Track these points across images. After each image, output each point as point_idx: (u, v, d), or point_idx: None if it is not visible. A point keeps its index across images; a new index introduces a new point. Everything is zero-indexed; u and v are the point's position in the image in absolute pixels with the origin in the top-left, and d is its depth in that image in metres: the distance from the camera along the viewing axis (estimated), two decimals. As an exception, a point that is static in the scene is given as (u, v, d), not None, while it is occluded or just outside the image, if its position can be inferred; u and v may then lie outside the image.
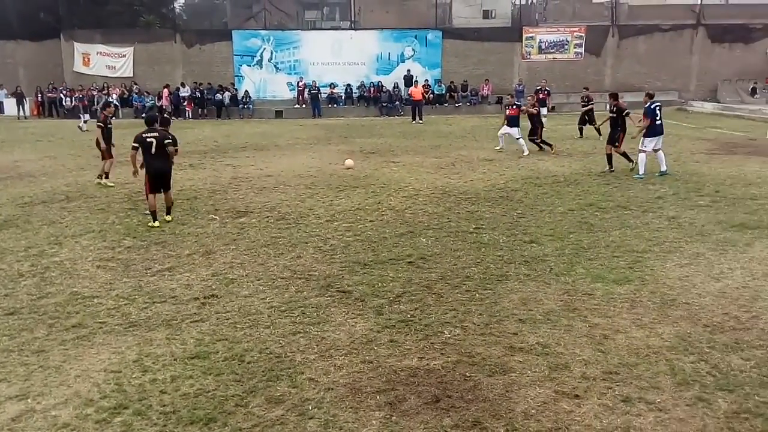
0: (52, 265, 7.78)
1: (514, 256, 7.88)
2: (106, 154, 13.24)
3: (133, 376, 4.97)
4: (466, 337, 5.61)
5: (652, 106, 12.85)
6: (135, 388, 4.78)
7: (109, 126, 13.42)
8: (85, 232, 9.30)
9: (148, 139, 9.47)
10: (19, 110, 31.51)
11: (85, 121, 25.16)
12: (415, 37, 33.38)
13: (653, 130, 12.81)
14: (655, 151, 12.94)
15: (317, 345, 5.51)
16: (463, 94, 32.97)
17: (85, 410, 4.48)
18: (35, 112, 32.15)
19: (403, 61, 33.30)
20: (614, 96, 14.07)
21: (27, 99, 31.91)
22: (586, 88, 21.30)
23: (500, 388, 4.72)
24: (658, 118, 12.84)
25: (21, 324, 6.00)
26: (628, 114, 13.52)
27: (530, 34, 33.76)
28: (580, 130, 20.39)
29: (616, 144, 13.56)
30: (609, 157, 13.77)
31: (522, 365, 5.08)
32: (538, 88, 24.40)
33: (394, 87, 32.33)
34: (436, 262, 7.76)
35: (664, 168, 13.07)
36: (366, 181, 13.24)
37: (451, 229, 9.27)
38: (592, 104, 20.24)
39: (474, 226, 9.36)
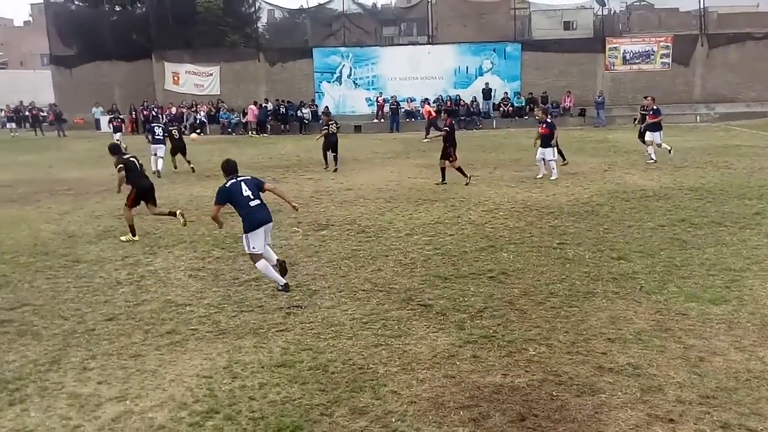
0: (147, 273, 8.18)
1: (601, 273, 7.65)
2: None
3: (224, 381, 5.14)
4: (552, 355, 5.47)
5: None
6: (225, 394, 4.94)
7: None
8: (177, 243, 9.73)
9: (131, 159, 10.26)
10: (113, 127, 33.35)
11: (13, 129, 24.15)
12: (494, 50, 33.16)
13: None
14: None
15: (399, 358, 5.53)
16: (544, 106, 32.36)
17: (180, 413, 4.67)
18: (129, 129, 33.98)
19: (482, 75, 33.12)
20: None
21: (122, 116, 33.78)
22: (647, 98, 19.53)
23: (589, 409, 4.57)
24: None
25: (119, 329, 6.33)
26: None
27: (614, 45, 32.86)
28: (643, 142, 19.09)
29: None
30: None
31: (612, 386, 4.90)
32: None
33: (472, 101, 32.19)
34: (519, 277, 7.63)
35: None
36: (445, 194, 13.21)
37: (534, 243, 9.10)
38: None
39: (558, 242, 9.15)
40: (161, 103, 34.08)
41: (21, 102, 38.80)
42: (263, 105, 32.55)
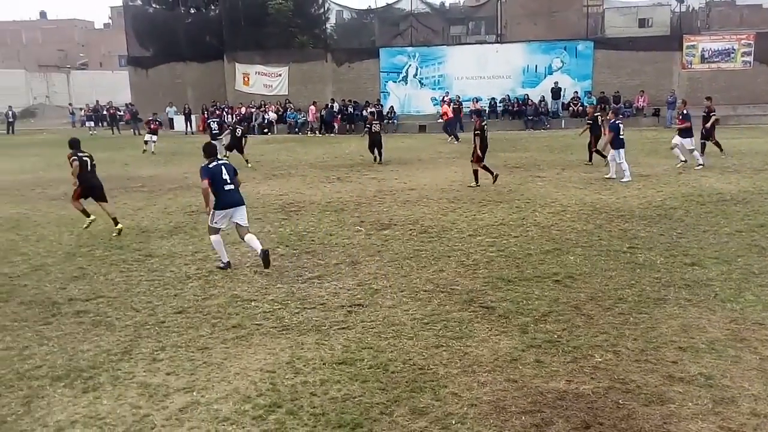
0: (215, 269, 8.40)
1: (673, 279, 7.35)
2: None
3: (286, 377, 5.22)
4: (619, 363, 5.30)
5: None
6: (288, 389, 5.01)
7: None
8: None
9: (84, 158, 10.68)
10: (186, 126, 34.63)
11: (146, 142, 24.41)
12: (564, 49, 32.45)
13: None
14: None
15: (460, 360, 5.47)
16: (616, 106, 31.43)
17: (244, 406, 4.77)
18: (201, 128, 35.09)
19: (551, 74, 32.47)
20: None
21: (194, 116, 34.99)
22: (709, 98, 18.42)
23: (657, 419, 4.40)
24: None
25: (188, 322, 6.53)
26: None
27: (691, 43, 31.58)
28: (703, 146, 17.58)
29: None
30: None
31: (682, 396, 4.70)
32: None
33: (540, 100, 31.61)
34: (586, 281, 7.43)
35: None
36: (510, 196, 13.01)
37: (602, 247, 8.84)
38: (714, 116, 17.83)
39: (627, 246, 8.86)
40: (231, 103, 35.03)
41: (98, 102, 40.68)
42: (329, 105, 32.95)
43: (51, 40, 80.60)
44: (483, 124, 14.70)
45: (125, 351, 5.82)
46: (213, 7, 40.27)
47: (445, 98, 32.34)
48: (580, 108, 31.13)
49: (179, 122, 35.87)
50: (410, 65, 33.61)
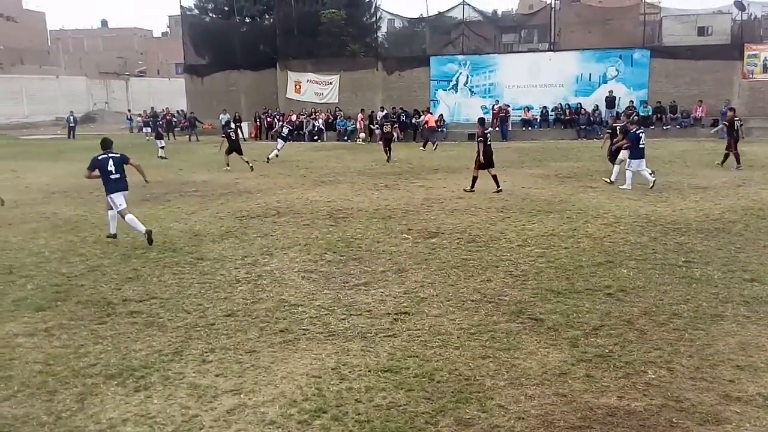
0: (264, 273, 8.51)
1: (731, 295, 7.08)
2: None
3: (332, 382, 5.24)
4: (673, 380, 5.12)
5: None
6: (333, 394, 5.03)
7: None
8: (292, 245, 10.07)
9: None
10: (238, 133, 35.26)
11: (149, 133, 27.55)
12: (620, 57, 31.77)
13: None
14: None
15: (507, 371, 5.39)
16: (673, 116, 30.67)
17: (290, 410, 4.81)
18: (253, 135, 35.74)
19: (605, 82, 31.84)
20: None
21: (246, 123, 35.65)
22: (732, 109, 18.14)
23: (714, 441, 4.24)
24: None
25: (236, 325, 6.63)
26: None
27: (754, 52, 30.50)
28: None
29: None
30: None
31: (739, 417, 4.52)
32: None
33: (594, 109, 31.03)
34: (639, 295, 7.23)
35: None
36: (561, 206, 12.79)
37: (657, 261, 8.59)
38: (738, 123, 17.70)
39: (683, 259, 8.58)
40: (282, 110, 35.55)
41: (153, 108, 41.90)
42: (378, 113, 33.10)
43: (111, 48, 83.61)
44: (486, 132, 15.03)
45: (176, 352, 5.94)
46: (267, 17, 41.02)
47: (495, 106, 32.15)
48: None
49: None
50: (461, 73, 33.48)
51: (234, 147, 20.53)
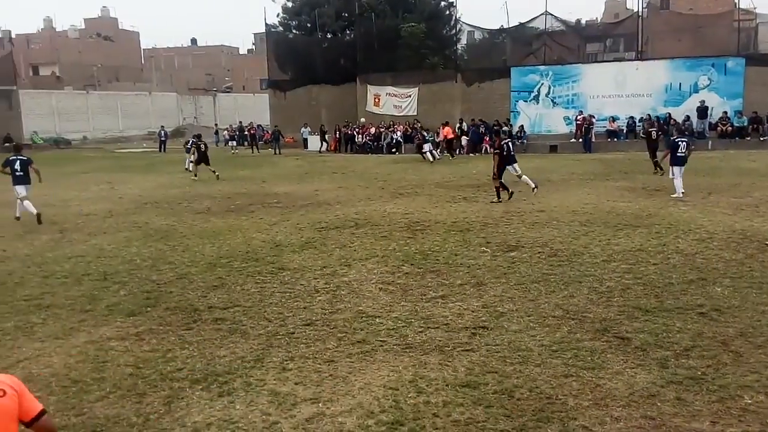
0: (342, 284, 8.60)
1: (839, 318, 6.56)
2: None
3: (409, 395, 5.20)
4: (773, 407, 4.78)
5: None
6: (410, 407, 4.99)
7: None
8: (370, 257, 10.12)
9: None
10: (321, 145, 36.10)
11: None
12: (712, 65, 30.34)
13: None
14: None
15: (591, 391, 5.18)
16: (681, 124, 28.85)
17: (367, 421, 4.80)
18: (333, 147, 36.38)
19: (697, 92, 30.45)
20: None
21: (327, 136, 36.40)
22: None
23: (822, 476, 3.90)
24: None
25: (315, 334, 6.71)
26: None
27: None
28: None
29: None
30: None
31: None
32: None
33: (684, 120, 29.71)
34: (734, 315, 6.81)
35: None
36: (649, 220, 12.27)
37: (754, 279, 8.08)
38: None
39: (784, 278, 8.04)
40: (361, 123, 36.03)
41: (240, 122, 43.45)
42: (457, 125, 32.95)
43: (200, 65, 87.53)
44: (503, 143, 15.66)
45: (257, 359, 6.07)
46: (348, 32, 41.80)
47: (578, 117, 31.32)
48: (730, 128, 28.98)
49: (312, 142, 37.45)
50: (542, 84, 32.89)
51: (202, 158, 22.51)
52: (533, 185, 16.03)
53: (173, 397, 5.33)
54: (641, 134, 21.66)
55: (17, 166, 14.00)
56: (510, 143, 16.19)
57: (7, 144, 40.48)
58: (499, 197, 15.34)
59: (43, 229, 13.10)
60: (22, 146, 15.24)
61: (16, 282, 9.11)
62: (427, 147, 28.37)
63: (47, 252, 11.02)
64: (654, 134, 20.88)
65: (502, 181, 15.36)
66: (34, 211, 13.61)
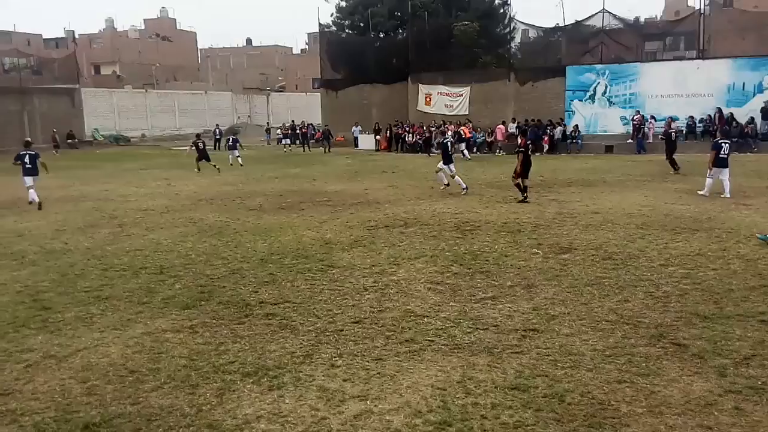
0: (390, 282, 8.61)
1: None
2: None
3: (457, 396, 5.17)
4: (842, 422, 4.56)
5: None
6: (458, 408, 4.96)
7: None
8: (419, 256, 10.10)
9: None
10: (375, 144, 36.30)
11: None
12: (778, 65, 29.12)
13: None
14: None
15: (645, 399, 5.05)
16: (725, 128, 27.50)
17: (414, 420, 4.80)
18: (383, 146, 36.48)
19: (761, 92, 29.26)
20: None
21: (379, 135, 36.55)
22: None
23: None
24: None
25: (364, 332, 6.74)
26: None
27: None
28: None
29: None
30: None
31: None
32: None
33: (748, 121, 28.59)
34: (800, 324, 6.51)
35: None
36: (709, 224, 11.87)
37: (821, 287, 7.72)
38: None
39: None
40: (412, 122, 35.99)
41: (292, 121, 44.04)
42: (511, 124, 32.57)
43: (254, 65, 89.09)
44: (528, 142, 16.06)
45: (307, 354, 6.14)
46: (401, 31, 41.80)
47: (635, 117, 30.57)
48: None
49: (363, 141, 37.65)
50: (599, 83, 32.15)
51: (202, 155, 25.41)
52: (464, 186, 17.13)
53: (225, 390, 5.44)
54: (660, 137, 23.40)
55: (27, 159, 16.19)
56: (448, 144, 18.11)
57: (69, 141, 42.30)
58: (524, 195, 15.46)
59: (104, 224, 13.57)
60: (31, 142, 17.72)
61: (77, 274, 9.46)
62: (462, 145, 29.21)
63: (107, 245, 11.41)
64: (673, 136, 22.16)
65: (519, 182, 15.56)
66: (37, 199, 15.71)
